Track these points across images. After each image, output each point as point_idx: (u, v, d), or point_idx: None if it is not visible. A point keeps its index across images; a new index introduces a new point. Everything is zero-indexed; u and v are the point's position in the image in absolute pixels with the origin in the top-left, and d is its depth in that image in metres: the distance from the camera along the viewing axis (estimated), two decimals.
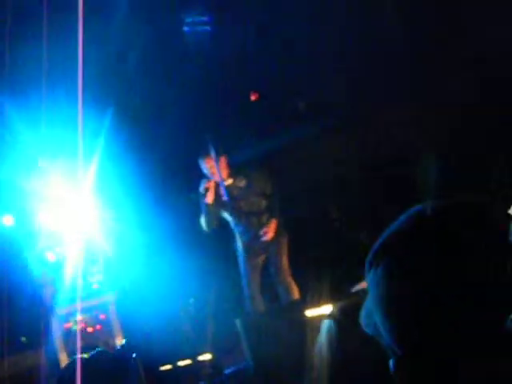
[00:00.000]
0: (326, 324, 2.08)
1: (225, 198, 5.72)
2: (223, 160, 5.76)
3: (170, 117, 6.73)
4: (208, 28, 6.50)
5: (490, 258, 1.04)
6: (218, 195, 5.77)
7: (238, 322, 5.02)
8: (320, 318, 5.92)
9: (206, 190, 5.72)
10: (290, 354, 4.51)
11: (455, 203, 1.13)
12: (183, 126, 6.70)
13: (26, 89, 5.56)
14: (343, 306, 1.93)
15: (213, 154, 5.63)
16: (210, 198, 5.72)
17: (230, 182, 5.82)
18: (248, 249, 5.87)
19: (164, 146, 6.73)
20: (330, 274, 6.22)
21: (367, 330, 1.24)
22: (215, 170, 5.67)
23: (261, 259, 5.91)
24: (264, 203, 5.87)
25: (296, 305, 5.55)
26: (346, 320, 1.90)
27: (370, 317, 1.18)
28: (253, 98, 7.31)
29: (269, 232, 5.78)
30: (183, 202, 6.83)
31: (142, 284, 6.27)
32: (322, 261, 6.40)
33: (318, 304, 6.07)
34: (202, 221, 5.83)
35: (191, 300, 6.76)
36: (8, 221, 6.03)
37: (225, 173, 5.77)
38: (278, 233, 5.85)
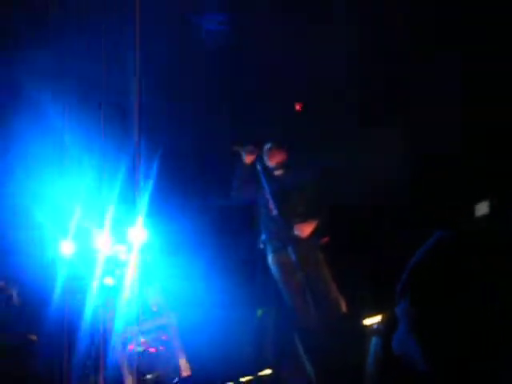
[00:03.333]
0: (373, 341, 2.08)
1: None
2: (282, 150, 5.70)
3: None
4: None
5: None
6: (261, 175, 5.60)
7: (296, 338, 5.01)
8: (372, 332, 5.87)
9: (249, 150, 5.56)
10: (352, 367, 4.49)
11: (470, 232, 1.13)
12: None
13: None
14: (389, 320, 1.94)
15: (275, 141, 5.61)
16: (249, 159, 5.55)
17: (279, 172, 5.74)
18: (279, 259, 5.66)
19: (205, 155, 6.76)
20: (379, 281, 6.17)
21: (401, 357, 1.26)
22: (272, 155, 5.62)
23: (296, 278, 5.61)
24: (302, 209, 5.68)
25: (352, 315, 5.49)
26: (388, 343, 1.91)
27: (403, 345, 1.20)
28: (298, 107, 7.30)
29: (301, 231, 5.55)
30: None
31: (201, 300, 6.33)
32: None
33: (374, 312, 6.02)
34: (234, 185, 5.61)
35: (259, 311, 6.78)
36: (67, 248, 6.13)
37: (278, 160, 5.68)
38: (310, 246, 5.62)
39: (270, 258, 5.80)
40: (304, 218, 5.66)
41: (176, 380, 5.52)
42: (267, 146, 5.70)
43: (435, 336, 1.08)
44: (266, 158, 5.70)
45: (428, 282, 1.11)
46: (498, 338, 1.04)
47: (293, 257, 5.59)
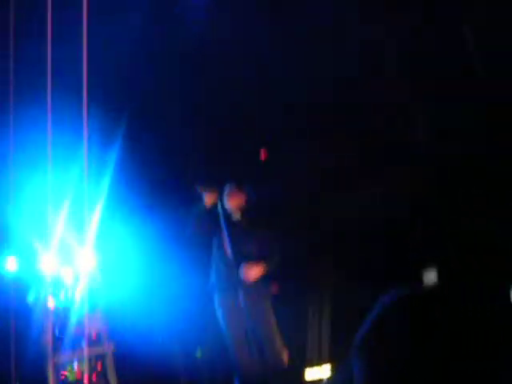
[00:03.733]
0: None
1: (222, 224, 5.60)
2: (243, 194, 5.76)
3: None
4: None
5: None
6: (219, 217, 5.64)
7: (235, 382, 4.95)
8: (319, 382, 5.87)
9: (211, 192, 5.62)
10: None
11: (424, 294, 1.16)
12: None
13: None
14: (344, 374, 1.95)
15: (236, 183, 5.67)
16: (209, 200, 5.61)
17: (237, 216, 5.77)
18: (225, 302, 5.68)
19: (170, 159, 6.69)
20: (329, 331, 6.19)
21: None
22: (231, 198, 5.67)
23: (244, 320, 5.65)
24: (256, 254, 5.73)
25: (296, 367, 5.46)
26: None
27: None
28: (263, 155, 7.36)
29: (249, 270, 5.58)
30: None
31: (142, 334, 6.20)
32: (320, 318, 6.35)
33: (317, 363, 6.01)
34: (192, 225, 5.66)
35: (198, 352, 6.68)
36: (12, 264, 5.97)
37: (237, 205, 5.74)
38: (259, 292, 5.66)
39: (217, 301, 5.76)
40: (255, 263, 5.69)
41: None
42: (227, 188, 5.72)
43: None
44: (225, 199, 5.71)
45: (391, 337, 1.11)
46: None
47: (242, 302, 5.57)
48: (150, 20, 6.29)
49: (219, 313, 5.78)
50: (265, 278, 5.73)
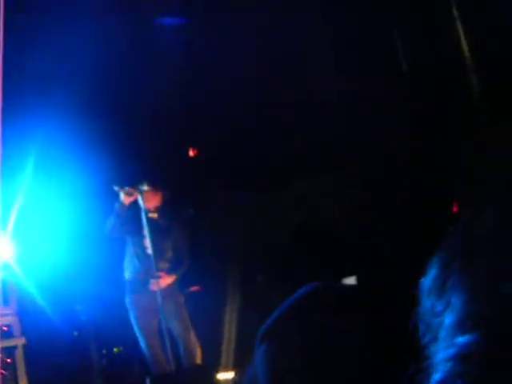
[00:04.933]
0: None
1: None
2: (159, 194, 5.78)
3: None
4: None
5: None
6: (135, 215, 5.67)
7: (147, 381, 4.94)
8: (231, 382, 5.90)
9: (127, 192, 5.62)
10: None
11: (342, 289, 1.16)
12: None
13: None
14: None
15: (151, 184, 5.66)
16: (127, 200, 5.61)
17: (154, 215, 5.77)
18: (137, 300, 5.69)
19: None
20: (244, 336, 6.22)
21: None
22: (146, 198, 5.67)
23: (156, 319, 5.68)
24: (170, 255, 5.79)
25: (208, 367, 5.49)
26: None
27: None
28: (191, 153, 7.35)
29: (161, 280, 5.62)
30: None
31: (55, 331, 6.11)
32: (238, 322, 6.38)
33: (231, 367, 6.03)
34: (108, 223, 5.67)
35: (104, 351, 6.62)
36: None
37: (154, 204, 5.76)
38: (173, 290, 5.74)
39: (129, 299, 5.76)
40: (170, 265, 5.77)
41: None
42: (143, 187, 5.70)
43: (281, 379, 1.09)
44: (141, 199, 5.69)
45: (292, 327, 1.12)
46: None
47: (157, 299, 5.58)
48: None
49: (131, 312, 5.76)
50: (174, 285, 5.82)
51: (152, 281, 5.64)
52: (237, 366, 5.90)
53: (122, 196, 5.63)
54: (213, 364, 5.71)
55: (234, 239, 6.78)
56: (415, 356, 0.91)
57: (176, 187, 6.20)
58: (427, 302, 0.82)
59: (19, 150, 5.72)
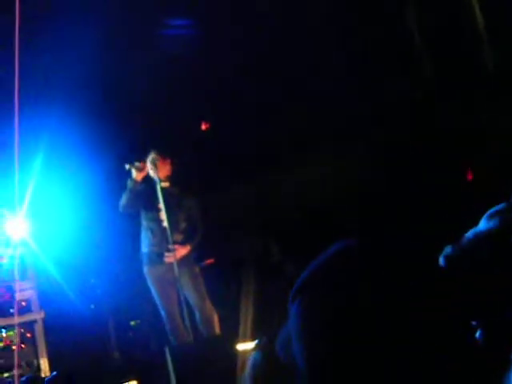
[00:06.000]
0: (252, 357, 2.08)
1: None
2: (168, 162, 5.76)
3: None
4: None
5: (410, 303, 1.07)
6: (148, 189, 5.69)
7: (167, 352, 4.96)
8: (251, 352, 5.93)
9: (138, 168, 5.64)
10: None
11: (376, 246, 1.16)
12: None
13: None
14: (269, 338, 1.94)
15: (161, 150, 5.66)
16: (138, 176, 5.64)
17: (166, 184, 5.77)
18: (154, 273, 5.74)
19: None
20: (263, 309, 6.24)
21: (283, 357, 1.26)
22: (155, 166, 5.65)
23: (175, 290, 5.74)
24: (184, 226, 5.82)
25: (227, 338, 5.51)
26: (271, 353, 1.91)
27: (287, 345, 1.20)
28: (203, 127, 7.34)
29: (176, 252, 5.65)
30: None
31: (72, 305, 6.15)
32: (257, 295, 6.40)
33: (250, 338, 6.05)
34: (122, 200, 5.70)
35: (132, 322, 6.67)
36: None
37: (165, 174, 5.75)
38: (189, 261, 5.77)
39: (146, 270, 5.82)
40: (184, 236, 5.78)
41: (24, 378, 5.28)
42: (151, 156, 5.69)
43: (316, 333, 1.09)
44: (150, 170, 5.70)
45: (327, 282, 1.11)
46: (377, 339, 1.06)
47: (174, 270, 5.63)
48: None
49: (150, 283, 5.81)
50: (189, 255, 5.83)
51: (167, 254, 5.67)
52: (255, 337, 5.93)
53: (134, 172, 5.65)
54: (231, 335, 5.73)
55: (247, 212, 6.79)
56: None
57: (185, 155, 6.21)
58: None
59: (34, 134, 5.73)
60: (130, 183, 5.66)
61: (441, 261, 2.73)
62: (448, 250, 2.79)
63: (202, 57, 6.59)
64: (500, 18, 5.88)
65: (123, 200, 5.70)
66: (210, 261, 6.77)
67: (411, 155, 6.46)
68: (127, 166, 5.68)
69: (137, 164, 5.65)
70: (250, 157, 6.97)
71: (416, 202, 6.21)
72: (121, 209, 5.75)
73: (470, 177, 6.06)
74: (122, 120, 6.55)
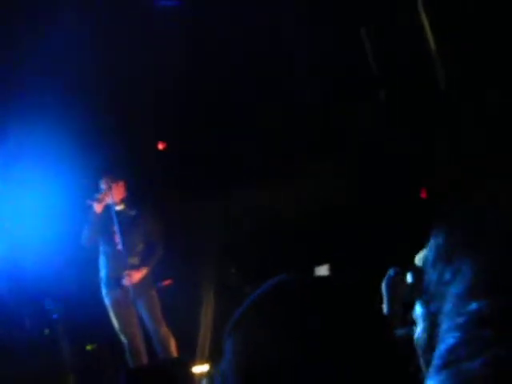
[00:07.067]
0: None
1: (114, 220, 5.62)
2: (121, 185, 5.73)
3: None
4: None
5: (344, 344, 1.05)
6: (103, 213, 5.66)
7: (124, 375, 4.93)
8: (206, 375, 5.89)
9: (98, 200, 5.60)
10: None
11: (311, 281, 1.15)
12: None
13: None
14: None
15: (113, 175, 5.65)
16: (99, 208, 5.59)
17: (121, 207, 5.75)
18: (112, 297, 5.73)
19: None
20: (219, 330, 6.20)
21: None
22: (110, 191, 5.62)
23: (133, 313, 5.73)
24: (140, 248, 5.79)
25: (184, 360, 5.48)
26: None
27: (225, 381, 1.19)
28: (160, 147, 7.31)
29: (132, 276, 5.64)
30: None
31: (24, 328, 6.04)
32: (212, 315, 6.37)
33: (205, 360, 6.03)
34: (84, 233, 5.68)
35: (88, 346, 6.58)
36: None
37: (119, 197, 5.72)
38: (145, 284, 5.76)
39: (104, 293, 5.84)
40: (140, 259, 5.77)
41: None
42: (103, 183, 5.67)
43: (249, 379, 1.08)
44: (106, 194, 5.67)
45: (254, 324, 1.10)
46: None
47: (130, 294, 5.65)
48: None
49: (109, 307, 5.81)
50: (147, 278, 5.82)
51: (124, 277, 5.66)
52: (211, 359, 5.90)
53: (95, 206, 5.62)
54: (188, 357, 5.69)
55: (206, 234, 6.77)
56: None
57: (140, 176, 6.18)
58: (433, 274, 0.80)
59: None
60: (91, 217, 5.65)
61: (383, 285, 2.75)
62: (391, 272, 2.80)
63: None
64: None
65: (86, 234, 5.69)
66: (167, 282, 6.71)
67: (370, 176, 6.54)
68: (89, 202, 5.65)
69: (97, 197, 5.64)
70: (211, 175, 6.96)
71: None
72: (84, 242, 5.75)
73: (423, 195, 6.15)
74: (77, 141, 6.48)
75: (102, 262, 5.81)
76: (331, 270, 6.17)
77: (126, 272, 5.63)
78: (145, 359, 5.69)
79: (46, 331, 6.44)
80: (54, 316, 6.58)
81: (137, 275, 5.69)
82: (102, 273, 5.83)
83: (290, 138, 6.77)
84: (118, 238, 5.64)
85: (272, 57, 6.62)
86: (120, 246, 5.65)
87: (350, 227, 6.60)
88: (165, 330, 5.75)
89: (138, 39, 6.36)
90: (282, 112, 6.72)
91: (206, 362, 5.93)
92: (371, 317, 1.05)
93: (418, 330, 0.84)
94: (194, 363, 5.69)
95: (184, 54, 6.43)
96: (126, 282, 5.63)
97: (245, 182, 6.77)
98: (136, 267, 5.71)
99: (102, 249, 5.81)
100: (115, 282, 5.70)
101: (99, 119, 6.62)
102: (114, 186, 5.66)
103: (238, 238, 6.94)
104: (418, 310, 0.97)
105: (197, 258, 6.75)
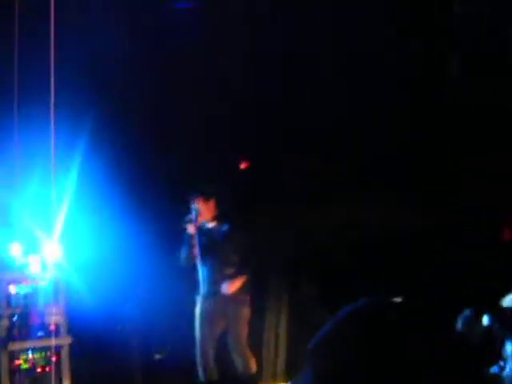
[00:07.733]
0: None
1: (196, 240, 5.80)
2: (212, 203, 5.89)
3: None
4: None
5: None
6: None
7: None
8: None
9: (191, 221, 5.81)
10: None
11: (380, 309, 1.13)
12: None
13: None
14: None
15: (202, 196, 5.84)
16: (192, 229, 5.80)
17: (213, 224, 5.94)
18: (205, 306, 5.82)
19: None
20: (288, 349, 6.17)
21: None
22: (201, 211, 5.83)
23: (219, 326, 5.84)
24: (236, 259, 5.89)
25: (250, 378, 5.47)
26: None
27: None
28: (242, 166, 7.37)
29: (230, 284, 5.73)
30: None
31: (100, 329, 6.17)
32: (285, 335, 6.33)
33: (273, 380, 5.99)
34: (182, 254, 5.89)
35: (156, 355, 6.66)
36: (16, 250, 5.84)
37: (210, 215, 5.87)
38: (237, 301, 5.81)
39: (198, 299, 5.97)
40: (237, 268, 5.90)
41: None
42: (193, 203, 5.85)
43: None
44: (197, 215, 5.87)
45: (339, 347, 1.09)
46: None
47: (218, 305, 5.83)
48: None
49: (196, 312, 5.93)
50: (243, 286, 5.91)
51: (221, 287, 5.82)
52: (285, 378, 5.89)
53: (188, 227, 5.86)
54: (255, 375, 5.68)
55: (281, 249, 6.76)
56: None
57: (227, 193, 6.26)
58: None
59: (66, 153, 5.84)
60: (186, 238, 5.87)
61: (458, 323, 2.66)
62: (467, 312, 2.71)
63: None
64: None
65: (183, 254, 5.92)
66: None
67: None
68: (183, 225, 5.89)
69: (188, 218, 5.86)
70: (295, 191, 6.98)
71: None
72: (183, 263, 5.95)
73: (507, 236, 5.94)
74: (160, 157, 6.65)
75: (200, 273, 5.91)
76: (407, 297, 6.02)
77: (224, 283, 5.78)
78: (213, 373, 5.73)
79: (119, 327, 6.58)
80: (127, 323, 6.72)
81: (234, 284, 5.78)
82: (200, 284, 5.92)
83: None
84: (196, 252, 5.81)
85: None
86: (198, 258, 5.81)
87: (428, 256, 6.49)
88: (246, 345, 5.85)
89: None
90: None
91: (280, 381, 5.93)
92: (458, 350, 1.03)
93: (509, 367, 0.81)
94: (260, 381, 5.67)
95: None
96: (224, 289, 5.75)
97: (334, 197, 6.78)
98: (232, 277, 5.82)
99: (199, 263, 5.92)
100: (211, 292, 5.84)
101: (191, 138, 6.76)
102: (205, 205, 5.84)
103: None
104: (509, 348, 0.93)
105: (271, 273, 6.76)
